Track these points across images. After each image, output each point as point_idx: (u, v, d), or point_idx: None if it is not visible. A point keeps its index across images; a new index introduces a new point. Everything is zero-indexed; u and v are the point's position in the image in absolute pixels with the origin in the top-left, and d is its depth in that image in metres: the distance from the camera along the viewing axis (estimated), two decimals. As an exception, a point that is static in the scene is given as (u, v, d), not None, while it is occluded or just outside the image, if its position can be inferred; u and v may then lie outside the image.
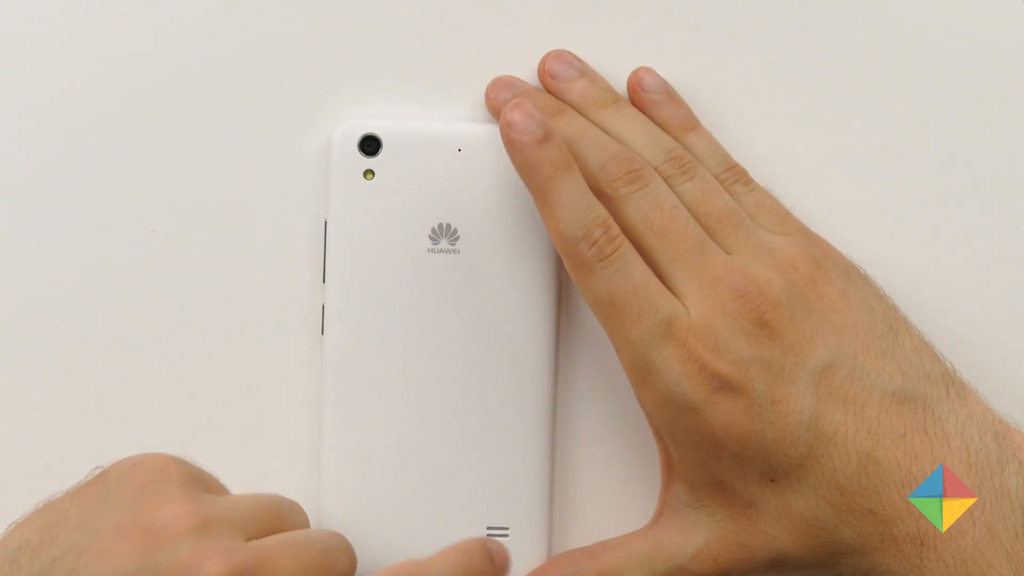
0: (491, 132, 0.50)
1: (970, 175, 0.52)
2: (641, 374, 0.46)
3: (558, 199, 0.47)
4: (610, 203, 0.47)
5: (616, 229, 0.47)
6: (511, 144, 0.47)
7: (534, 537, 0.50)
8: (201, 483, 0.45)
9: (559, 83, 0.50)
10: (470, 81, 0.51)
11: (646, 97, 0.51)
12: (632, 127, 0.50)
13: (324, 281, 0.50)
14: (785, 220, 0.50)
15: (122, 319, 0.51)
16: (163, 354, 0.52)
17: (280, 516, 0.46)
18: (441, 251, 0.50)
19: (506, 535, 0.50)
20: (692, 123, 0.51)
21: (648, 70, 0.51)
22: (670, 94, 0.51)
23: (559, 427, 0.52)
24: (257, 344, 0.52)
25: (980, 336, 0.51)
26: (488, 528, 0.50)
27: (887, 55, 0.52)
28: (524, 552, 0.50)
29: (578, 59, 0.51)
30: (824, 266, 0.48)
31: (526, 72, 0.51)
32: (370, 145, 0.50)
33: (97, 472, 0.46)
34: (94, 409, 0.52)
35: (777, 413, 0.45)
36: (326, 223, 0.50)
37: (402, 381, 0.50)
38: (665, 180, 0.48)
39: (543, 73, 0.51)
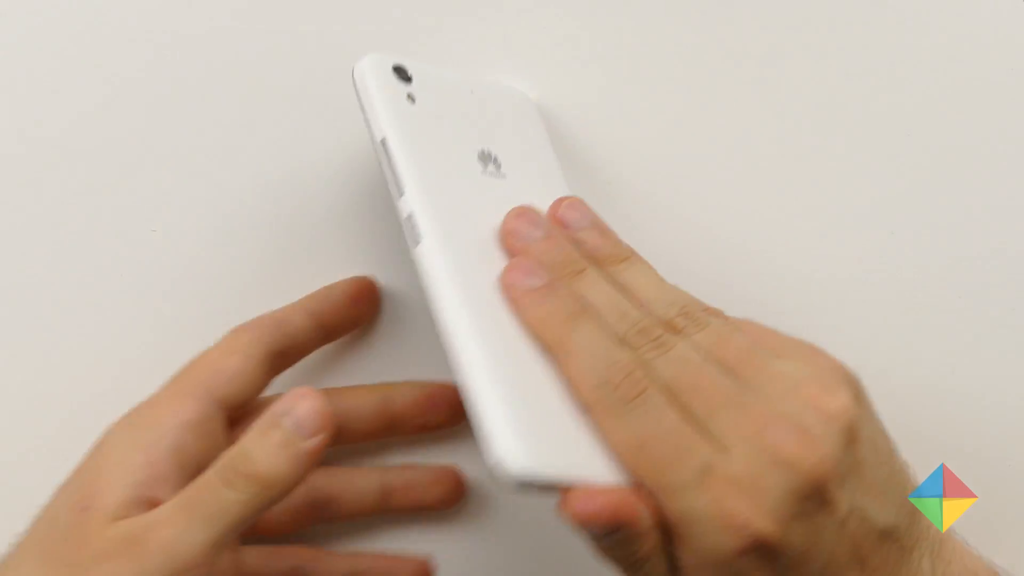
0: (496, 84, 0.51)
1: (969, 175, 0.52)
2: (682, 527, 0.42)
3: (575, 348, 0.44)
4: None
5: (642, 372, 0.43)
6: (515, 304, 0.44)
7: None
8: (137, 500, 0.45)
9: (571, 232, 0.47)
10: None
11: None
12: (644, 282, 0.46)
13: (402, 193, 0.45)
14: (784, 344, 0.45)
15: (121, 320, 0.52)
16: (163, 355, 0.51)
17: None
18: (490, 175, 0.48)
19: None
20: (621, 255, 0.47)
21: (571, 204, 0.48)
22: (593, 227, 0.47)
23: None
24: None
25: (979, 335, 0.51)
26: None
27: (886, 54, 0.52)
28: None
29: (589, 210, 0.48)
30: (861, 400, 0.44)
31: (522, 76, 0.51)
32: (403, 73, 0.48)
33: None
34: (94, 411, 0.52)
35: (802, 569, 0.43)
36: (384, 141, 0.46)
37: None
38: (678, 334, 0.45)
39: (553, 218, 0.47)
